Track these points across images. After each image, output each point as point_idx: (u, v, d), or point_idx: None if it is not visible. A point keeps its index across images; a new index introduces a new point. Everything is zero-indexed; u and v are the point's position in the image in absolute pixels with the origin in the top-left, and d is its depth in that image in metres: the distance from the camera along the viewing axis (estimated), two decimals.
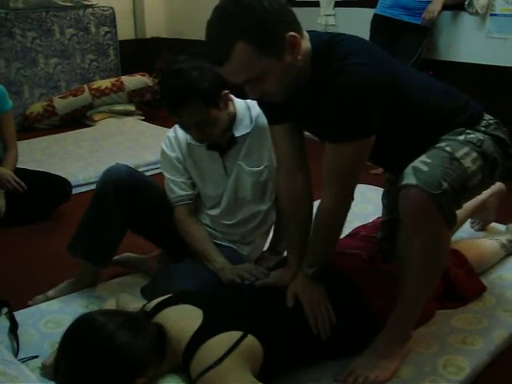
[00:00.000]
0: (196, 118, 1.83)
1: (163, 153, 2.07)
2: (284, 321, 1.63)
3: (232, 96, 1.97)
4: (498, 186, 2.43)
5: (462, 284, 1.94)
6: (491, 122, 1.70)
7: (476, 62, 3.57)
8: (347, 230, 2.20)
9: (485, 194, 2.36)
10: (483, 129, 1.66)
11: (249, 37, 1.38)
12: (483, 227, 2.51)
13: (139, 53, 5.58)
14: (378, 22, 3.66)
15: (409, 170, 1.51)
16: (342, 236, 2.13)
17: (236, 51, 1.39)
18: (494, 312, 1.92)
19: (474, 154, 1.58)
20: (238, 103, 1.99)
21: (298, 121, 1.71)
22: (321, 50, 1.52)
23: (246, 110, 1.98)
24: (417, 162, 1.52)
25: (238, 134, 1.96)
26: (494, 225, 2.54)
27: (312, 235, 1.69)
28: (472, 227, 2.51)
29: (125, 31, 5.61)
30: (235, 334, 1.47)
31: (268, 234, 2.21)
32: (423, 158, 1.54)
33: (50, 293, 2.12)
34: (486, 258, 2.17)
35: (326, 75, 1.48)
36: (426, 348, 1.74)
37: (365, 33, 3.67)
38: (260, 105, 1.81)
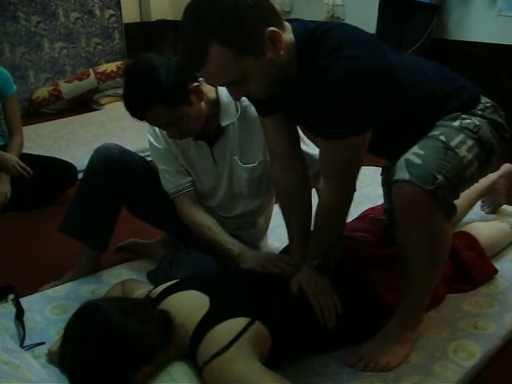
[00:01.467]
0: (162, 120, 1.77)
1: (151, 144, 2.00)
2: (291, 307, 1.61)
3: None
4: (507, 167, 2.39)
5: (474, 267, 1.92)
6: (488, 105, 1.62)
7: (487, 41, 3.50)
8: (356, 212, 2.18)
9: (494, 175, 2.32)
10: (480, 113, 1.59)
11: (223, 38, 1.29)
12: (494, 210, 2.48)
13: (145, 36, 5.53)
14: (387, 1, 3.60)
15: (401, 162, 1.45)
16: (350, 219, 2.12)
17: (211, 55, 1.30)
18: (506, 295, 1.90)
19: (470, 142, 1.52)
20: (223, 89, 1.87)
21: (288, 116, 1.64)
22: (307, 40, 1.43)
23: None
24: (409, 154, 1.46)
25: (224, 123, 1.88)
26: (505, 207, 2.50)
27: (314, 228, 1.65)
28: (483, 210, 2.48)
29: (130, 14, 5.55)
30: (242, 321, 1.45)
31: (269, 215, 2.18)
32: (416, 148, 1.47)
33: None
34: (497, 241, 2.14)
35: (316, 68, 1.39)
36: (436, 333, 1.72)
37: (373, 12, 3.62)
38: (248, 97, 1.71)
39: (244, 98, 1.85)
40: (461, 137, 1.51)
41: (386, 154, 1.79)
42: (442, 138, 1.50)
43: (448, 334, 1.72)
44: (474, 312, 1.82)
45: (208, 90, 1.87)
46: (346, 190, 1.54)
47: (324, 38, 1.41)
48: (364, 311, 1.66)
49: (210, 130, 1.91)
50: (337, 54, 1.37)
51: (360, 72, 1.35)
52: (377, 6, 3.64)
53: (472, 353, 1.63)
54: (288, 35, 1.42)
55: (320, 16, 4.10)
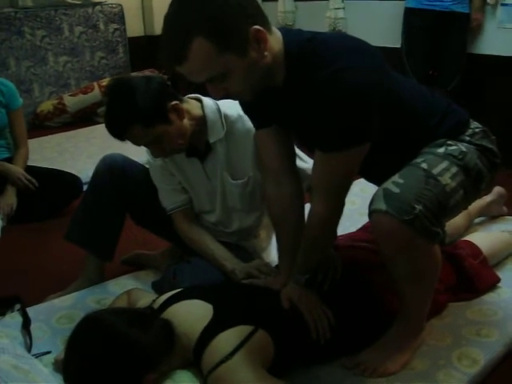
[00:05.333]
0: (143, 140, 1.78)
1: (148, 162, 2.03)
2: (293, 315, 1.61)
3: (201, 97, 1.91)
4: (496, 191, 2.41)
5: (477, 275, 1.92)
6: (477, 130, 1.57)
7: (487, 53, 3.53)
8: (360, 223, 2.18)
9: (486, 198, 2.36)
10: (468, 139, 1.54)
11: (207, 32, 1.26)
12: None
13: (148, 49, 5.57)
14: (414, 14, 3.47)
15: (379, 191, 1.43)
16: (354, 229, 2.13)
17: (194, 48, 1.27)
18: (509, 303, 1.90)
19: (454, 169, 1.47)
20: (208, 106, 1.88)
21: (283, 128, 1.61)
22: (300, 50, 1.40)
23: (217, 112, 1.88)
24: (388, 183, 1.43)
25: (211, 140, 1.88)
26: (506, 217, 2.53)
27: (303, 243, 1.60)
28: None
29: (134, 28, 5.60)
30: (246, 329, 1.46)
31: (272, 226, 2.19)
32: (396, 177, 1.44)
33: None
34: (499, 251, 2.15)
35: (314, 80, 1.36)
36: (439, 341, 1.73)
37: (375, 25, 3.64)
38: (243, 109, 1.72)
39: (231, 114, 1.87)
40: (444, 164, 1.47)
41: (373, 179, 1.75)
42: (424, 165, 1.46)
43: (452, 341, 1.72)
44: (478, 320, 1.82)
45: (193, 107, 1.88)
46: (337, 202, 1.51)
47: (321, 49, 1.39)
48: (368, 316, 1.66)
49: (199, 147, 1.92)
50: (336, 66, 1.33)
51: (361, 85, 1.32)
52: (379, 18, 3.65)
53: (476, 360, 1.64)
54: (275, 39, 1.39)
55: (322, 29, 4.13)
